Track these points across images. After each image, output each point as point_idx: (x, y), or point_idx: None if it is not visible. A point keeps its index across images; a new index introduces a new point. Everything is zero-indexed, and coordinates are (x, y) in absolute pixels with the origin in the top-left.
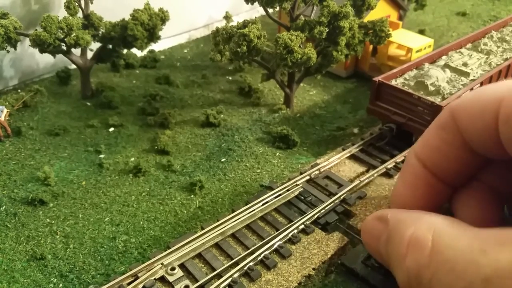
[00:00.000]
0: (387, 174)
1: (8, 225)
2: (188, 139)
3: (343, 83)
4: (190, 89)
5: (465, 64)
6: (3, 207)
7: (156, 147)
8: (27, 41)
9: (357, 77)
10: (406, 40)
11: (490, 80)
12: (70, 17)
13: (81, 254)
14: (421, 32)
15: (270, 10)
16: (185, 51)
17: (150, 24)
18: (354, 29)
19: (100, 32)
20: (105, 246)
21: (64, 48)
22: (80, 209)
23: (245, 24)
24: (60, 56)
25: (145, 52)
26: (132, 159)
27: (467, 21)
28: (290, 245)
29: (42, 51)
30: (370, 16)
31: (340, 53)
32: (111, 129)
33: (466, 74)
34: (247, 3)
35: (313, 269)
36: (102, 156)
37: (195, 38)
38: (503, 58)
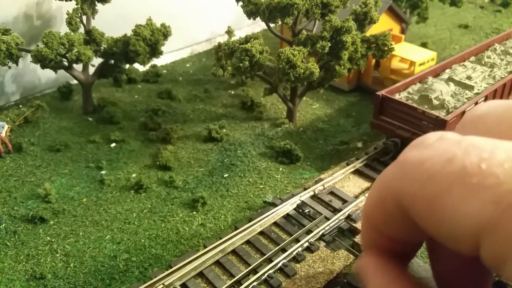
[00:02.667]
0: None
1: (8, 243)
2: (190, 154)
3: (346, 97)
4: (192, 104)
5: (469, 78)
6: (3, 225)
7: (158, 163)
8: (29, 56)
9: (360, 91)
10: (409, 54)
11: (494, 93)
12: (72, 33)
13: (81, 273)
14: (424, 45)
15: (272, 25)
16: (188, 65)
17: (152, 40)
18: (356, 43)
19: (102, 48)
20: (106, 265)
21: (66, 63)
22: (81, 227)
23: (247, 39)
24: (62, 71)
25: (147, 67)
26: (134, 175)
27: (469, 33)
28: (294, 264)
29: (43, 66)
30: (372, 30)
31: (342, 67)
32: (113, 144)
33: (470, 88)
34: (249, 18)
35: None
36: (103, 172)
37: (197, 53)
38: (507, 71)
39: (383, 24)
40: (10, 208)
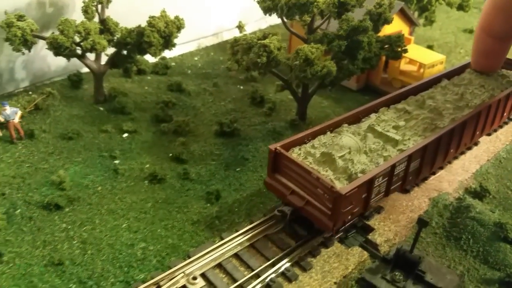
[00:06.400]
0: (404, 189)
1: (24, 229)
2: (202, 147)
3: (354, 96)
4: (202, 97)
5: (396, 127)
6: (18, 211)
7: (171, 155)
8: (39, 44)
9: (368, 91)
10: (418, 56)
11: (423, 153)
12: (88, 22)
13: (99, 260)
14: (430, 48)
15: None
16: (196, 58)
17: (166, 32)
18: (372, 43)
19: (115, 38)
20: (124, 253)
21: (79, 52)
22: (97, 215)
23: (265, 35)
24: (71, 60)
25: (157, 58)
26: (147, 165)
27: None
28: (310, 258)
29: (57, 54)
30: (382, 31)
31: (356, 66)
32: (125, 134)
33: (394, 142)
34: (265, 14)
35: (335, 283)
36: (117, 161)
37: (205, 46)
38: (453, 117)
39: (393, 26)
40: (25, 194)
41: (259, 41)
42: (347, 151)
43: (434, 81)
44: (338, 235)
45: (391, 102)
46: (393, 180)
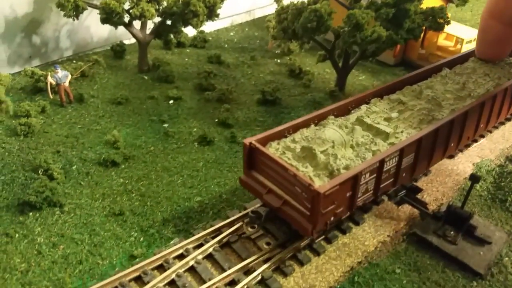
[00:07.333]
0: (449, 156)
1: (82, 183)
2: (246, 114)
3: (391, 70)
4: (240, 69)
5: (388, 119)
6: (74, 167)
7: (216, 120)
8: (83, 14)
9: (404, 66)
10: (456, 31)
11: (417, 147)
12: None
13: (158, 211)
14: None
15: None
16: (231, 34)
17: (211, 1)
18: (417, 13)
19: (161, 7)
20: (181, 206)
21: (126, 20)
22: (152, 171)
23: (315, 1)
24: (113, 31)
25: (198, 30)
26: (195, 129)
27: None
28: (362, 213)
29: (106, 20)
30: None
31: (400, 36)
32: (171, 101)
33: (384, 135)
34: None
35: (388, 235)
36: (166, 125)
37: (238, 23)
38: (453, 108)
39: (431, 1)
40: (79, 152)
41: (310, 6)
42: (330, 145)
43: (434, 70)
44: (319, 239)
45: (386, 93)
46: (383, 177)
